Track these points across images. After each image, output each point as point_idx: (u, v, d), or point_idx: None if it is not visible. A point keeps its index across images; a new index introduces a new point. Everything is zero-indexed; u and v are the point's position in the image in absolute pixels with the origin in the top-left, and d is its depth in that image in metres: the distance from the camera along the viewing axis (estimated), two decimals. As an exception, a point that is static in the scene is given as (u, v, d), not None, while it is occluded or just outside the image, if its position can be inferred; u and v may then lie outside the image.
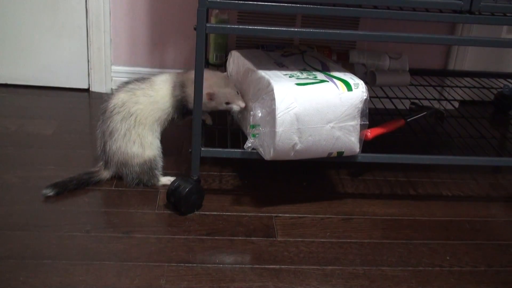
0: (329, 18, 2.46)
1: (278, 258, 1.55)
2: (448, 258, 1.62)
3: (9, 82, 2.60)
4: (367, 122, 1.68)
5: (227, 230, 1.66)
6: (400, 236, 1.70)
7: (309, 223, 1.73)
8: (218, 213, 1.74)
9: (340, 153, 1.69)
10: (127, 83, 1.83)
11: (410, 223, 1.77)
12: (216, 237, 1.62)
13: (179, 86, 1.80)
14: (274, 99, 1.57)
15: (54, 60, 2.57)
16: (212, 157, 1.90)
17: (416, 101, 2.37)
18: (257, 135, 1.65)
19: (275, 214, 1.75)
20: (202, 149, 1.71)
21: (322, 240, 1.65)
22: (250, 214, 1.74)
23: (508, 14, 1.65)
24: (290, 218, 1.74)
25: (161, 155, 1.83)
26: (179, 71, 1.89)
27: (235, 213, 1.74)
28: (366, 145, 1.74)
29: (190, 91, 1.73)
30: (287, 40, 2.52)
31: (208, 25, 1.56)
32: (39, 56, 2.56)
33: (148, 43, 2.57)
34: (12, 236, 1.55)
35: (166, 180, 1.83)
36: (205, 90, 1.68)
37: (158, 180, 1.83)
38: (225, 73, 1.89)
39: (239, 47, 2.52)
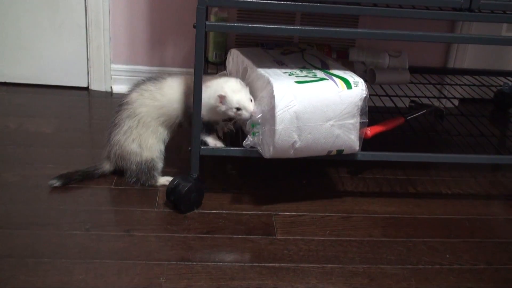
0: (328, 16, 2.46)
1: (277, 256, 1.55)
2: (447, 256, 1.62)
3: (8, 80, 2.60)
4: (367, 120, 1.68)
5: (227, 228, 1.66)
6: (399, 234, 1.70)
7: (309, 221, 1.73)
8: (218, 211, 1.74)
9: (339, 151, 1.69)
10: (143, 81, 1.81)
11: (410, 221, 1.77)
12: (216, 235, 1.62)
13: (191, 92, 1.72)
14: (273, 97, 1.56)
15: (54, 59, 2.57)
16: (212, 155, 1.89)
17: (416, 99, 2.37)
18: (257, 134, 1.65)
19: (275, 212, 1.75)
20: (202, 147, 1.71)
21: (321, 238, 1.65)
22: (249, 212, 1.74)
23: (508, 12, 1.65)
24: (289, 216, 1.74)
25: (162, 158, 1.82)
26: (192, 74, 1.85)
27: (234, 211, 1.74)
28: (366, 143, 1.74)
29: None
30: (286, 38, 2.52)
31: (207, 23, 1.56)
32: (39, 54, 2.56)
33: (148, 41, 2.57)
34: (12, 234, 1.55)
35: (165, 180, 1.83)
36: (218, 92, 1.66)
37: (156, 181, 1.83)
38: (239, 79, 1.82)
39: (238, 45, 2.52)
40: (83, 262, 1.46)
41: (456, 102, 2.67)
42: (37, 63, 2.57)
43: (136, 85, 1.81)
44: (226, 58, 2.04)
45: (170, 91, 1.77)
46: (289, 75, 1.66)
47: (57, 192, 1.77)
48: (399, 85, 2.42)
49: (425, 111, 2.15)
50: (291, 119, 1.58)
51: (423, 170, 2.10)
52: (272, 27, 1.61)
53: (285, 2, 1.56)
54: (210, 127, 1.75)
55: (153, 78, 1.81)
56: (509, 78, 2.64)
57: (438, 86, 2.65)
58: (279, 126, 1.57)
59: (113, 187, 1.82)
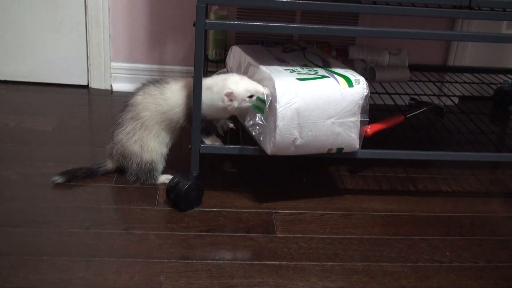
0: (328, 13, 2.46)
1: (277, 254, 1.55)
2: (447, 253, 1.62)
3: (8, 78, 2.60)
4: (367, 119, 1.68)
5: (227, 227, 1.66)
6: (399, 232, 1.70)
7: (309, 219, 1.73)
8: (218, 209, 1.74)
9: (340, 149, 1.69)
10: (147, 84, 1.80)
11: (410, 219, 1.77)
12: (216, 234, 1.62)
13: (191, 98, 1.72)
14: (275, 93, 1.56)
15: (53, 57, 2.57)
16: (212, 153, 1.89)
17: (416, 97, 2.36)
18: (263, 112, 1.63)
19: (275, 210, 1.75)
20: (202, 145, 1.71)
21: (321, 236, 1.65)
22: (249, 210, 1.74)
23: (507, 10, 1.64)
24: (289, 214, 1.74)
25: (163, 160, 1.82)
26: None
27: (234, 210, 1.74)
28: (366, 141, 1.74)
29: (203, 97, 1.66)
30: (286, 36, 2.52)
31: (207, 21, 1.56)
32: (38, 52, 2.56)
33: (148, 39, 2.57)
34: (12, 232, 1.55)
35: (165, 178, 1.83)
36: (223, 92, 1.65)
37: (156, 180, 1.83)
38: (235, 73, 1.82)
39: (238, 43, 2.51)
40: (83, 260, 1.46)
41: (456, 100, 2.67)
42: (37, 61, 2.57)
43: (141, 87, 1.81)
44: (226, 55, 2.04)
45: (172, 96, 1.76)
46: (290, 72, 1.66)
47: (57, 190, 1.77)
48: (399, 83, 2.42)
49: (425, 108, 2.15)
50: (292, 116, 1.58)
51: (423, 168, 2.10)
52: (272, 25, 1.61)
53: (285, 0, 1.55)
54: (210, 127, 1.74)
55: (156, 82, 1.80)
56: (509, 75, 2.64)
57: (438, 84, 2.66)
58: (280, 123, 1.57)
59: (113, 185, 1.82)
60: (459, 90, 2.60)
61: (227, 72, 1.93)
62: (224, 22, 1.70)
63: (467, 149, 2.01)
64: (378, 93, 2.32)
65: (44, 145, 2.04)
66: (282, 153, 1.65)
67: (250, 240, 1.60)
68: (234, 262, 1.51)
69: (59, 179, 1.78)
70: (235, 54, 1.92)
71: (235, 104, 1.66)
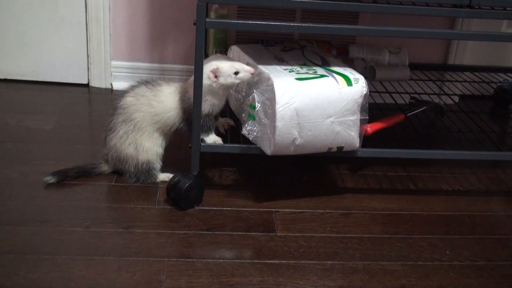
0: (328, 12, 2.46)
1: (278, 253, 1.55)
2: (448, 252, 1.62)
3: (8, 77, 2.60)
4: (367, 117, 1.68)
5: (227, 225, 1.66)
6: (399, 231, 1.70)
7: (309, 218, 1.73)
8: (218, 208, 1.74)
9: (340, 148, 1.69)
10: (138, 85, 1.79)
11: (410, 217, 1.78)
12: (216, 232, 1.62)
13: (184, 95, 1.74)
14: (274, 93, 1.56)
15: (54, 55, 2.57)
16: (212, 152, 1.89)
17: (416, 95, 2.37)
18: (255, 118, 1.64)
19: (275, 209, 1.75)
20: (202, 144, 1.71)
21: (322, 235, 1.65)
22: (250, 209, 1.75)
23: (508, 8, 1.64)
24: (290, 213, 1.74)
25: (159, 159, 1.82)
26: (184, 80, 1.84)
27: (235, 208, 1.74)
28: (366, 139, 1.74)
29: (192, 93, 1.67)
30: (287, 35, 2.52)
31: (207, 20, 1.56)
32: (39, 51, 2.56)
33: (148, 38, 2.57)
34: (12, 231, 1.55)
35: (165, 176, 1.83)
36: (208, 69, 1.64)
37: (156, 179, 1.83)
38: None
39: (238, 42, 2.52)
40: (83, 259, 1.46)
41: (456, 99, 2.67)
42: (37, 60, 2.57)
43: (131, 89, 1.79)
44: (226, 54, 2.04)
45: (166, 99, 1.76)
46: (289, 72, 1.66)
47: (57, 189, 1.77)
48: (399, 81, 2.42)
49: (425, 107, 2.15)
50: (291, 115, 1.58)
51: (423, 166, 2.10)
52: (273, 24, 1.61)
53: (285, -1, 1.56)
54: (209, 123, 1.74)
55: (148, 82, 1.79)
56: (509, 74, 2.63)
57: (438, 83, 2.66)
58: (279, 123, 1.57)
59: (113, 184, 1.82)
60: (459, 89, 2.61)
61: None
62: (224, 21, 1.70)
63: (467, 148, 2.01)
64: (379, 92, 2.32)
65: (44, 144, 2.04)
66: (282, 153, 1.65)
67: (250, 239, 1.60)
68: (235, 260, 1.51)
69: (51, 179, 1.77)
70: (235, 53, 1.93)
71: (221, 80, 1.65)
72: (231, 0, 1.57)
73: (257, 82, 1.67)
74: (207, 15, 1.60)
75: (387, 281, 1.48)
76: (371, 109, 1.71)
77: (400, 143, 1.90)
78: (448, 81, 2.63)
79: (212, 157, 2.04)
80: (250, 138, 1.68)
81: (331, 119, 1.62)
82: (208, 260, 1.50)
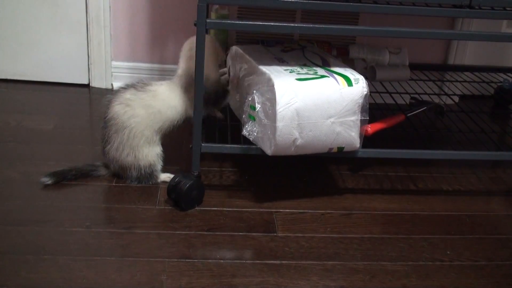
0: (329, 12, 2.46)
1: (278, 253, 1.55)
2: (448, 252, 1.62)
3: (9, 77, 2.60)
4: (368, 118, 1.68)
5: (228, 226, 1.66)
6: (400, 231, 1.70)
7: (310, 218, 1.73)
8: (219, 208, 1.74)
9: (340, 149, 1.70)
10: (124, 90, 1.77)
11: (411, 218, 1.78)
12: (217, 233, 1.62)
13: (188, 85, 1.77)
14: (274, 94, 1.57)
15: (54, 56, 2.57)
16: (213, 152, 1.89)
17: (416, 96, 2.37)
18: (255, 119, 1.64)
19: (276, 210, 1.76)
20: (203, 144, 1.71)
21: (322, 235, 1.65)
22: (250, 209, 1.75)
23: (508, 8, 1.65)
24: (290, 213, 1.75)
25: (160, 160, 1.82)
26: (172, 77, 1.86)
27: (235, 209, 1.74)
28: (367, 140, 1.74)
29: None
30: (287, 35, 2.52)
31: (208, 20, 1.56)
32: (39, 51, 2.56)
33: (148, 38, 2.57)
34: (13, 231, 1.55)
35: (166, 176, 1.83)
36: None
37: (157, 179, 1.83)
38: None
39: (239, 42, 2.52)
40: (84, 259, 1.46)
41: (456, 99, 2.67)
42: (37, 60, 2.57)
43: (115, 97, 1.76)
44: (227, 55, 2.04)
45: (167, 97, 1.77)
46: (290, 72, 1.66)
47: (58, 189, 1.77)
48: (399, 82, 2.42)
49: (425, 108, 2.16)
50: (292, 116, 1.58)
51: (424, 166, 2.10)
52: (273, 25, 1.61)
53: (286, 0, 1.56)
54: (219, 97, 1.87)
55: (133, 87, 1.77)
56: (509, 74, 2.64)
57: (438, 83, 2.66)
58: (280, 123, 1.57)
59: (114, 184, 1.82)
60: (459, 89, 2.61)
61: (227, 72, 1.94)
62: (225, 21, 1.70)
63: (467, 148, 2.01)
64: (379, 92, 2.32)
65: (45, 144, 2.05)
66: (282, 153, 1.65)
67: (251, 240, 1.60)
68: (235, 261, 1.51)
69: (48, 181, 1.76)
70: (235, 54, 1.93)
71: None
72: (232, 1, 1.58)
73: (258, 83, 1.67)
74: (207, 16, 1.60)
75: (388, 281, 1.48)
76: (372, 109, 1.71)
77: (400, 143, 1.90)
78: (448, 81, 2.63)
79: (212, 157, 2.04)
80: (251, 139, 1.68)
81: (332, 119, 1.62)
82: (209, 260, 1.50)
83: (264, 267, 1.49)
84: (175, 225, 1.64)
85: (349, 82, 1.64)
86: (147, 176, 1.80)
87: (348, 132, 1.66)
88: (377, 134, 1.86)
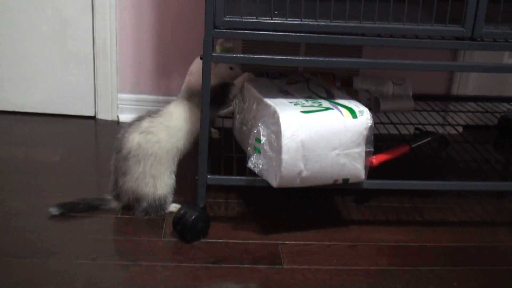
0: (332, 45, 2.48)
1: (284, 286, 1.55)
2: (455, 284, 1.61)
3: (16, 109, 2.62)
4: (372, 149, 1.69)
5: (233, 258, 1.66)
6: (406, 263, 1.70)
7: (315, 250, 1.73)
8: (224, 240, 1.74)
9: (345, 180, 1.70)
10: (139, 120, 1.80)
11: (417, 249, 1.77)
12: (222, 265, 1.62)
13: (194, 94, 1.82)
14: (280, 126, 1.58)
15: (61, 88, 2.60)
16: (218, 184, 1.90)
17: (420, 126, 2.38)
18: (260, 151, 1.65)
19: (281, 241, 1.75)
20: (209, 176, 1.72)
21: (328, 267, 1.65)
22: (256, 241, 1.75)
23: (509, 40, 1.66)
24: (296, 245, 1.74)
25: (172, 193, 1.84)
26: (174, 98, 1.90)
27: (241, 241, 1.74)
28: (371, 171, 1.75)
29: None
30: (291, 67, 2.54)
31: (214, 54, 1.58)
32: (47, 83, 2.59)
33: (154, 71, 2.60)
34: (19, 264, 1.55)
35: (173, 207, 1.84)
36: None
37: (166, 210, 1.84)
38: None
39: (243, 74, 2.54)
40: (90, 292, 1.46)
41: (460, 129, 2.68)
42: (44, 92, 2.60)
43: (133, 129, 1.78)
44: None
45: (180, 110, 1.81)
46: (294, 105, 1.68)
47: (64, 221, 1.77)
48: (403, 112, 2.44)
49: (429, 138, 2.16)
50: (297, 148, 1.59)
51: (429, 197, 2.10)
52: (278, 58, 1.63)
53: (290, 34, 1.58)
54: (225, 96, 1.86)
55: (146, 116, 1.80)
56: (513, 104, 2.65)
57: (442, 113, 2.67)
58: (285, 155, 1.58)
59: (119, 216, 1.83)
60: (463, 119, 2.62)
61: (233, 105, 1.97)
62: (230, 55, 1.73)
63: (472, 178, 2.01)
64: (383, 123, 2.33)
65: (51, 176, 2.06)
66: (288, 185, 1.66)
67: (257, 272, 1.60)
68: (241, 293, 1.51)
69: (55, 211, 1.76)
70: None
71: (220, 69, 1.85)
72: (237, 35, 1.60)
73: (263, 115, 1.69)
74: (212, 49, 1.62)
75: (394, 314, 1.47)
76: (376, 140, 1.72)
77: (405, 174, 1.90)
78: (452, 111, 2.64)
79: (217, 188, 2.05)
80: (256, 171, 1.69)
81: (337, 151, 1.63)
82: (215, 293, 1.50)
83: (270, 299, 1.49)
84: (181, 257, 1.64)
85: (353, 114, 1.65)
86: (157, 207, 1.80)
87: (353, 164, 1.67)
88: (382, 165, 1.86)
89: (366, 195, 2.08)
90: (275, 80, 1.97)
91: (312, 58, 1.66)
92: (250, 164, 1.69)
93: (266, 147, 1.64)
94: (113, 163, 1.82)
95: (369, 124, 1.66)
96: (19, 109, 2.63)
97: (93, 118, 2.66)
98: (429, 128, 2.39)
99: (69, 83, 2.59)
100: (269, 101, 1.69)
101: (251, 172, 1.73)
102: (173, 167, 1.82)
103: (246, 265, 1.63)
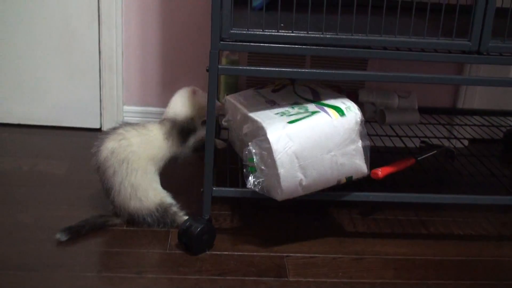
0: (338, 58, 2.49)
1: (290, 298, 1.54)
2: (461, 298, 1.60)
3: (22, 122, 2.63)
4: (368, 142, 1.67)
5: (239, 270, 1.65)
6: (412, 276, 1.69)
7: (321, 262, 1.72)
8: (230, 253, 1.74)
9: (349, 178, 1.69)
10: (114, 130, 1.81)
11: (422, 262, 1.76)
12: (228, 277, 1.62)
13: (168, 121, 1.85)
14: (269, 142, 1.57)
15: (67, 100, 2.61)
16: (223, 196, 1.90)
17: (426, 139, 2.37)
18: (256, 169, 1.64)
19: (287, 254, 1.75)
20: (214, 188, 1.72)
21: (334, 280, 1.64)
22: (261, 253, 1.74)
23: (516, 54, 1.67)
24: (301, 257, 1.74)
25: (166, 196, 1.83)
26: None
27: (246, 253, 1.74)
28: (377, 184, 1.75)
29: (177, 110, 1.88)
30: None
31: (220, 67, 1.59)
32: (52, 96, 2.60)
33: (160, 83, 2.61)
34: (24, 276, 1.55)
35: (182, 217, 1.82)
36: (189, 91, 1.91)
37: (179, 216, 1.82)
38: None
39: (249, 86, 2.54)
40: (95, 305, 1.46)
41: (466, 143, 2.67)
42: (50, 105, 2.61)
43: (107, 138, 1.79)
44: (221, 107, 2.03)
45: (156, 128, 1.84)
46: (281, 115, 1.66)
47: (69, 234, 1.77)
48: (409, 125, 2.43)
49: (435, 151, 2.16)
50: (291, 160, 1.58)
51: (435, 210, 2.09)
52: (283, 71, 1.64)
53: (296, 46, 1.58)
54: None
55: (123, 125, 1.83)
56: (519, 118, 2.64)
57: (448, 127, 2.66)
58: (281, 170, 1.58)
59: (125, 228, 1.82)
60: (469, 133, 2.61)
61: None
62: (237, 68, 1.74)
63: (478, 192, 2.00)
64: (389, 136, 2.33)
65: (57, 189, 2.06)
66: (291, 196, 1.65)
67: (262, 284, 1.59)
68: (246, 306, 1.50)
69: (63, 238, 1.71)
70: (229, 105, 1.92)
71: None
72: (243, 48, 1.60)
73: (252, 134, 1.68)
74: (219, 62, 1.63)
75: (400, 327, 1.46)
76: (382, 152, 1.72)
77: (411, 187, 1.90)
78: (458, 125, 2.64)
79: (222, 200, 2.05)
80: (257, 190, 1.67)
81: (332, 153, 1.62)
82: (220, 306, 1.49)
83: (276, 312, 1.48)
84: (186, 269, 1.64)
85: (341, 112, 1.64)
86: (163, 217, 1.79)
87: (352, 161, 1.65)
88: (388, 177, 1.86)
89: (371, 208, 2.07)
90: (260, 89, 1.95)
91: (317, 71, 1.67)
92: (249, 185, 1.66)
93: (261, 165, 1.62)
94: (100, 182, 1.81)
95: (358, 119, 1.65)
96: (25, 122, 2.63)
97: (99, 130, 2.66)
98: (435, 141, 2.39)
99: (75, 96, 2.60)
100: (255, 116, 1.68)
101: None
102: (151, 174, 1.80)
103: (252, 278, 1.62)
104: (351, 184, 1.73)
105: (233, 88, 2.41)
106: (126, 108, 2.64)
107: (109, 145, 1.77)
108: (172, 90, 2.59)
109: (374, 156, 1.76)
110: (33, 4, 2.46)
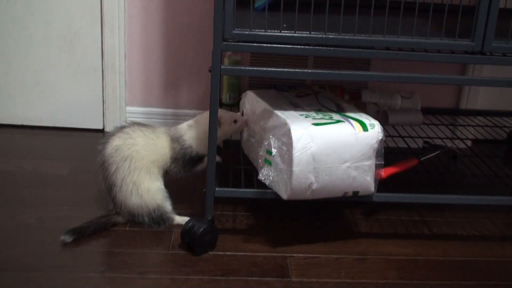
0: (341, 58, 2.49)
1: (293, 299, 1.54)
2: (464, 299, 1.60)
3: (25, 123, 2.64)
4: (383, 162, 1.68)
5: (242, 271, 1.65)
6: (415, 277, 1.68)
7: (324, 263, 1.72)
8: (232, 253, 1.74)
9: (355, 193, 1.70)
10: (121, 129, 1.82)
11: (425, 263, 1.76)
12: (230, 278, 1.61)
13: (176, 140, 1.84)
14: (291, 138, 1.58)
15: (70, 101, 2.61)
16: (226, 197, 1.90)
17: (429, 140, 2.37)
18: (271, 163, 1.65)
19: (289, 254, 1.75)
20: (217, 189, 1.72)
21: (337, 280, 1.64)
22: (264, 254, 1.74)
23: (519, 54, 1.66)
24: (304, 258, 1.74)
25: (166, 197, 1.83)
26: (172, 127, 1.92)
27: (249, 253, 1.74)
28: (380, 184, 1.74)
29: (191, 136, 1.84)
30: (299, 80, 2.54)
31: (222, 67, 1.59)
32: (55, 97, 2.60)
33: (162, 84, 2.61)
34: (27, 277, 1.55)
35: (181, 220, 1.83)
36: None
37: (172, 220, 1.84)
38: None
39: (251, 87, 2.55)
40: (98, 305, 1.46)
41: (469, 143, 2.67)
42: (53, 105, 2.61)
43: (113, 135, 1.81)
44: (240, 99, 2.06)
45: (162, 136, 1.84)
46: (305, 117, 1.68)
47: (72, 234, 1.77)
48: (412, 126, 2.43)
49: (438, 152, 2.15)
50: (308, 160, 1.59)
51: (438, 211, 2.09)
52: (286, 71, 1.64)
53: (298, 46, 1.58)
54: (197, 160, 1.86)
55: (130, 125, 1.84)
56: (522, 119, 2.64)
57: (451, 127, 2.66)
58: (296, 168, 1.58)
59: (127, 229, 1.82)
60: (472, 133, 2.61)
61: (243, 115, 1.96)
62: (239, 68, 1.74)
63: (481, 192, 2.00)
64: (391, 136, 2.33)
65: (60, 189, 2.06)
66: (298, 198, 1.65)
67: (265, 285, 1.59)
68: (249, 307, 1.50)
69: (68, 239, 1.71)
70: (249, 99, 1.95)
71: (224, 127, 1.85)
72: (246, 48, 1.60)
73: (274, 127, 1.69)
74: (221, 62, 1.63)
75: (403, 328, 1.46)
76: (385, 153, 1.71)
77: (414, 188, 1.89)
78: (461, 125, 2.64)
79: (225, 201, 2.05)
80: (267, 183, 1.68)
81: (347, 164, 1.63)
82: (223, 306, 1.49)
83: (279, 313, 1.48)
84: (189, 270, 1.64)
85: (364, 127, 1.65)
86: (159, 219, 1.80)
87: (363, 177, 1.66)
88: (391, 178, 1.86)
89: (374, 208, 2.07)
90: (284, 92, 1.97)
91: (320, 71, 1.66)
92: (260, 176, 1.68)
93: (277, 159, 1.64)
94: (102, 179, 1.82)
95: (380, 137, 1.66)
96: (28, 123, 2.64)
97: (101, 131, 2.67)
98: (438, 142, 2.39)
99: (78, 96, 2.61)
100: (279, 113, 1.69)
101: (259, 185, 1.72)
102: (155, 175, 1.81)
103: (254, 278, 1.62)
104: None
105: (236, 89, 2.41)
106: (129, 108, 2.64)
107: (114, 143, 1.78)
108: (174, 91, 2.60)
109: (377, 156, 1.76)
110: (36, 5, 2.47)
